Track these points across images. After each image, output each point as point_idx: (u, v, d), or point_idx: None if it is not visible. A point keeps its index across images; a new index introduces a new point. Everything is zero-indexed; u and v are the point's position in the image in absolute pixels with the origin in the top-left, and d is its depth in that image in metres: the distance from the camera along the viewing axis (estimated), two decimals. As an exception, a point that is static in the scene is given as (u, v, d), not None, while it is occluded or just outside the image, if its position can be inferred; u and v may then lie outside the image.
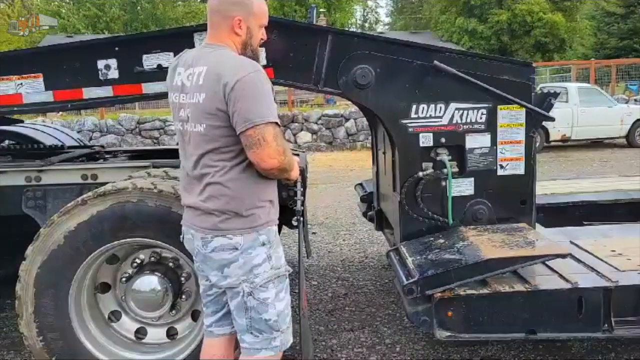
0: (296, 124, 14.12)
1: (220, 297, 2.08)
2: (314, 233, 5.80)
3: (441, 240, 2.62)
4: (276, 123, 1.85)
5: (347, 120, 14.12)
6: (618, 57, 24.40)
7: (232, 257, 1.91)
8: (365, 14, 54.75)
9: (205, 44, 1.99)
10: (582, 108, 12.25)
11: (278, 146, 1.83)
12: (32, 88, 2.80)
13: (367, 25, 53.38)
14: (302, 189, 2.76)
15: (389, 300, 3.85)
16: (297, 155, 3.56)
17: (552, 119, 2.72)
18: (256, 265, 1.93)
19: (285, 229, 3.93)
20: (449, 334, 2.33)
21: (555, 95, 2.69)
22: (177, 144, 2.06)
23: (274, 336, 2.00)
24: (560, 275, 2.44)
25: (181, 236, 2.11)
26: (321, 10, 28.48)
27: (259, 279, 1.94)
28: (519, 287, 2.36)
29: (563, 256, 2.39)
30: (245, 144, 1.82)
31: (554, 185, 4.22)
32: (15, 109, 2.86)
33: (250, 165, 1.88)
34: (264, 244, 1.95)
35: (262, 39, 2.08)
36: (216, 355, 2.14)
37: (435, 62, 2.59)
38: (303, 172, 2.85)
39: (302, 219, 2.64)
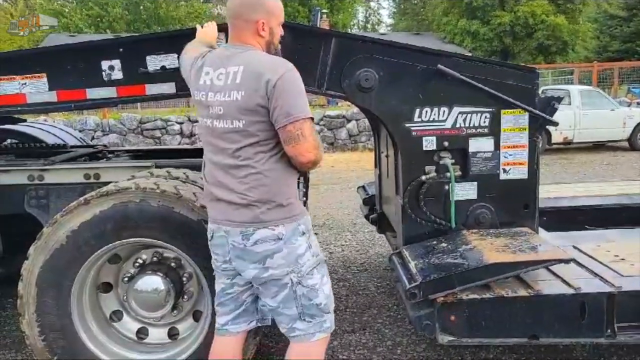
0: (298, 125, 14.08)
1: (240, 295, 2.13)
2: (315, 234, 5.79)
3: (444, 244, 2.62)
4: (311, 118, 1.92)
5: (349, 121, 14.12)
6: (621, 60, 24.38)
7: (276, 248, 1.95)
8: (367, 15, 54.80)
9: (230, 45, 2.04)
10: (584, 111, 12.24)
11: (314, 141, 1.91)
12: (35, 88, 2.81)
13: (369, 26, 53.39)
14: (303, 190, 2.77)
15: (390, 301, 3.85)
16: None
17: (556, 124, 2.72)
18: (300, 255, 1.99)
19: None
20: (451, 338, 2.32)
21: (559, 99, 2.69)
22: (199, 140, 2.10)
23: (325, 318, 2.08)
24: (563, 281, 2.43)
25: (209, 235, 2.10)
26: (323, 11, 28.47)
27: (304, 267, 2.01)
28: (522, 291, 2.35)
29: (566, 261, 2.38)
30: (284, 138, 1.89)
31: (556, 189, 4.21)
32: (19, 108, 2.87)
33: (284, 157, 1.95)
34: (303, 233, 2.02)
35: (281, 35, 2.13)
36: (229, 353, 2.17)
37: (440, 66, 2.58)
38: (305, 173, 2.86)
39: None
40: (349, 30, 36.57)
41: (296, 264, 1.99)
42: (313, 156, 1.92)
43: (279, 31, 2.10)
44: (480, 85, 2.59)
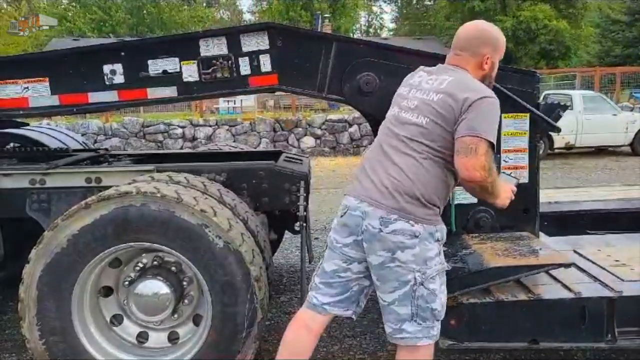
0: (300, 129, 14.13)
1: (350, 282, 2.15)
2: (316, 238, 5.79)
3: (444, 248, 2.61)
4: (492, 144, 1.93)
5: (350, 125, 14.13)
6: (623, 65, 24.35)
7: (410, 243, 1.97)
8: (369, 19, 54.88)
9: (449, 64, 2.14)
10: (586, 115, 12.23)
11: (485, 161, 1.90)
12: (37, 92, 2.82)
13: (371, 31, 53.47)
14: (304, 194, 2.77)
15: (391, 306, 3.84)
16: (300, 160, 3.58)
17: (558, 130, 2.72)
18: (430, 258, 2.00)
19: (287, 233, 3.94)
20: (451, 342, 2.32)
21: (565, 107, 2.70)
22: (386, 125, 2.16)
23: (434, 325, 2.07)
24: (564, 285, 2.44)
25: (341, 212, 2.12)
26: (326, 15, 28.58)
27: (430, 270, 2.01)
28: (522, 296, 2.36)
29: (566, 265, 2.39)
30: (457, 148, 1.93)
31: (558, 193, 4.21)
32: (21, 112, 2.88)
33: (449, 165, 1.99)
34: (438, 240, 2.04)
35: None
36: (316, 330, 2.21)
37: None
38: (306, 177, 2.87)
39: (304, 224, 2.64)
40: (351, 34, 36.65)
41: (424, 264, 1.99)
42: (479, 176, 1.90)
43: (497, 65, 2.19)
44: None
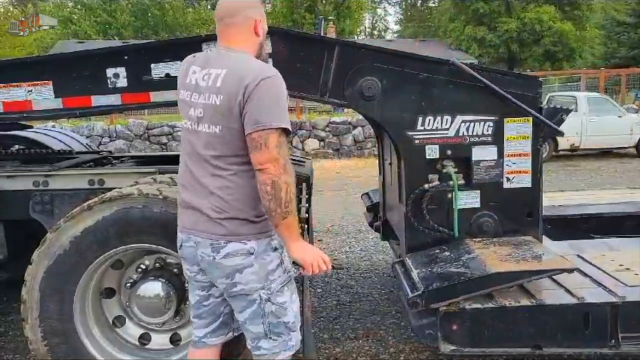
0: (304, 131, 14.14)
1: (217, 307, 2.08)
2: (319, 240, 5.80)
3: (447, 253, 2.61)
4: (284, 130, 1.82)
5: (354, 127, 14.13)
6: (628, 67, 24.26)
7: (247, 262, 1.89)
8: (374, 21, 54.92)
9: (222, 47, 1.97)
10: (591, 117, 12.18)
11: (278, 155, 1.79)
12: (41, 95, 2.83)
13: (375, 33, 53.51)
14: (306, 196, 2.77)
15: (393, 308, 3.84)
16: (303, 161, 3.59)
17: (562, 134, 2.71)
18: (271, 271, 1.94)
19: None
20: (453, 347, 2.31)
21: (568, 111, 2.69)
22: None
23: (291, 337, 2.03)
24: (567, 290, 2.42)
25: (178, 244, 2.03)
26: (330, 17, 28.59)
27: (274, 284, 1.95)
28: (525, 301, 2.34)
29: (569, 271, 2.37)
30: (249, 146, 1.81)
31: (561, 196, 4.19)
32: (25, 115, 2.89)
33: None
34: (276, 249, 1.95)
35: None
36: None
37: (454, 59, 2.60)
38: (308, 178, 2.87)
39: (307, 226, 2.64)
40: (356, 36, 36.68)
41: (266, 280, 1.92)
42: (270, 168, 1.77)
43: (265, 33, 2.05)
44: (492, 85, 2.57)
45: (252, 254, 1.89)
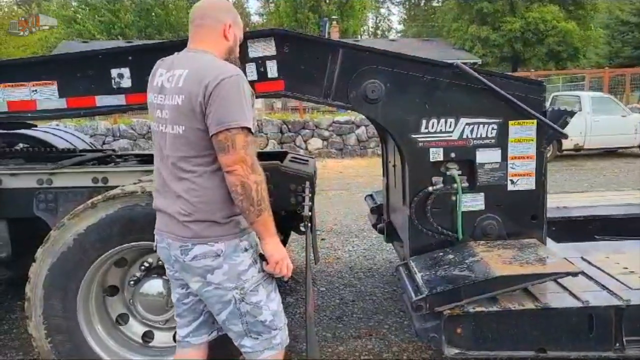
0: (307, 131, 14.15)
1: (197, 305, 2.09)
2: (322, 239, 5.80)
3: (451, 256, 2.60)
4: (249, 130, 1.83)
5: (358, 127, 14.14)
6: (632, 66, 24.17)
7: (216, 264, 1.90)
8: (377, 21, 54.87)
9: (189, 49, 1.99)
10: (595, 117, 12.15)
11: (246, 155, 1.80)
12: (45, 95, 2.83)
13: (379, 32, 53.45)
14: (310, 195, 2.76)
15: (397, 307, 3.84)
16: (306, 160, 3.57)
17: (566, 136, 2.70)
18: (243, 272, 1.94)
19: (293, 234, 3.94)
20: (457, 351, 2.31)
21: (572, 113, 2.68)
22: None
23: (273, 335, 2.04)
24: (571, 293, 2.41)
25: (154, 244, 2.07)
26: (334, 17, 28.58)
27: (248, 284, 1.96)
28: (529, 304, 2.33)
29: (574, 274, 2.36)
30: (216, 148, 1.82)
31: (566, 198, 4.17)
32: (29, 115, 2.90)
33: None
34: (246, 250, 1.96)
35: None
36: None
37: (458, 62, 2.60)
38: (311, 177, 2.86)
39: (310, 224, 2.63)
40: (359, 36, 36.63)
41: (238, 280, 1.93)
42: (239, 170, 1.79)
43: (239, 41, 2.09)
44: (496, 88, 2.56)
45: (219, 255, 1.90)
